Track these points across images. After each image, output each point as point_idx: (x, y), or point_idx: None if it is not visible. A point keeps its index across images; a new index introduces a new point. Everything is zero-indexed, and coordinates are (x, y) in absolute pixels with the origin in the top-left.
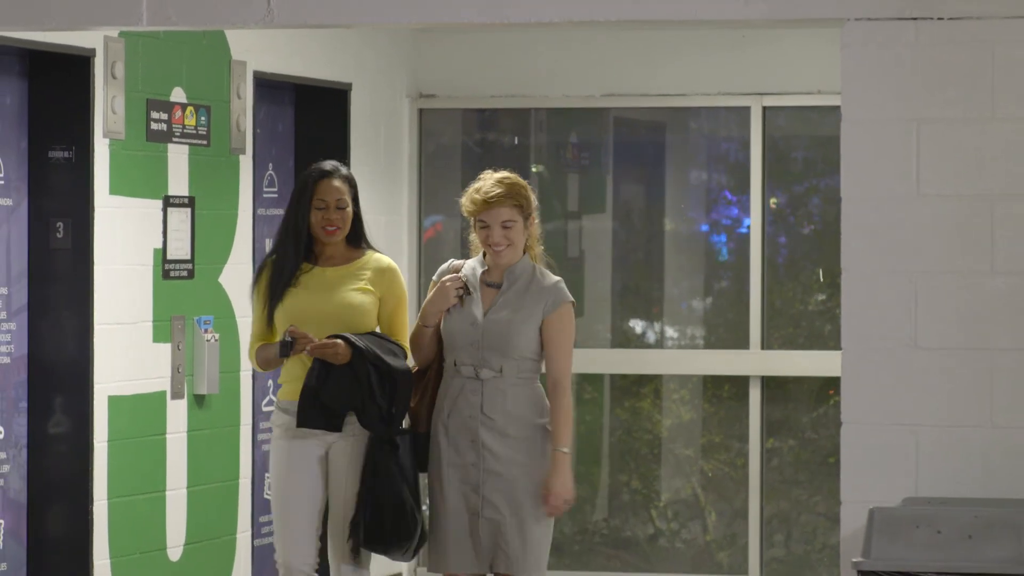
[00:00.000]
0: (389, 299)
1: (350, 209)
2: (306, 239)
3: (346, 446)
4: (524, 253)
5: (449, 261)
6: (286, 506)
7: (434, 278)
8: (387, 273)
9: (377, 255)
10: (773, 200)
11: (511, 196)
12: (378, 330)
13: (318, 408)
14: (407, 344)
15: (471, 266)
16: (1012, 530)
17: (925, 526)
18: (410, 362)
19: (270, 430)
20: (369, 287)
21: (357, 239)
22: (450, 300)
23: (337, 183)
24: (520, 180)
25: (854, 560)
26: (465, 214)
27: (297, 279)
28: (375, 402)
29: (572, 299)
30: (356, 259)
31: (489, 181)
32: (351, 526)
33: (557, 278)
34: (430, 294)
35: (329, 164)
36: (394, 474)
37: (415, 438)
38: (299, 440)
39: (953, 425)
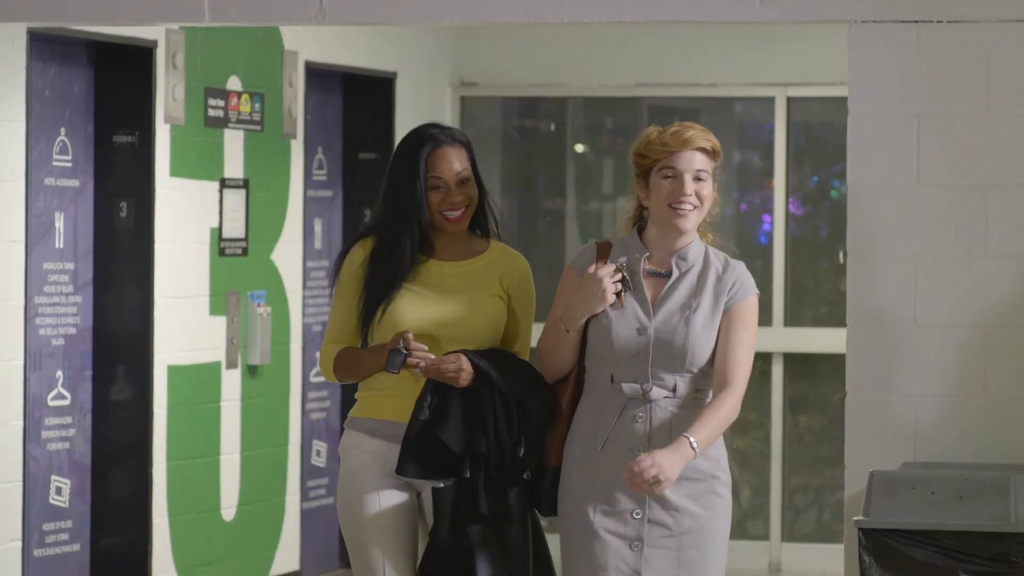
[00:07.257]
0: (520, 311)
1: (473, 182)
2: (424, 225)
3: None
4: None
5: (590, 242)
6: None
7: (571, 264)
8: (525, 280)
9: (507, 250)
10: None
11: (709, 140)
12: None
13: (425, 450)
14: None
15: (622, 250)
16: (1000, 491)
17: (920, 487)
18: None
19: (319, 399)
20: (502, 294)
21: (480, 222)
22: (607, 299)
23: (454, 152)
24: None
25: (855, 519)
26: (638, 169)
27: (414, 274)
28: (499, 443)
29: (758, 291)
30: (480, 252)
31: (676, 125)
32: None
33: (738, 261)
34: (573, 288)
35: (435, 128)
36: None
37: (539, 473)
38: (394, 491)
39: (949, 396)
